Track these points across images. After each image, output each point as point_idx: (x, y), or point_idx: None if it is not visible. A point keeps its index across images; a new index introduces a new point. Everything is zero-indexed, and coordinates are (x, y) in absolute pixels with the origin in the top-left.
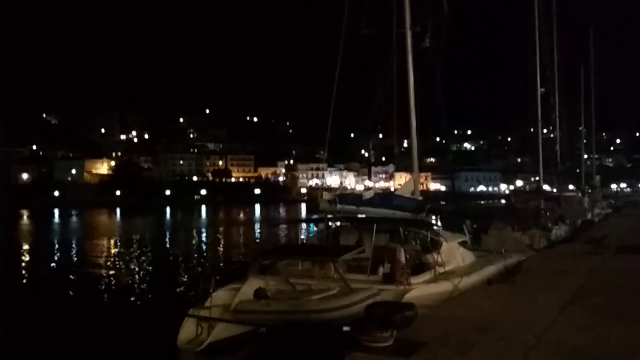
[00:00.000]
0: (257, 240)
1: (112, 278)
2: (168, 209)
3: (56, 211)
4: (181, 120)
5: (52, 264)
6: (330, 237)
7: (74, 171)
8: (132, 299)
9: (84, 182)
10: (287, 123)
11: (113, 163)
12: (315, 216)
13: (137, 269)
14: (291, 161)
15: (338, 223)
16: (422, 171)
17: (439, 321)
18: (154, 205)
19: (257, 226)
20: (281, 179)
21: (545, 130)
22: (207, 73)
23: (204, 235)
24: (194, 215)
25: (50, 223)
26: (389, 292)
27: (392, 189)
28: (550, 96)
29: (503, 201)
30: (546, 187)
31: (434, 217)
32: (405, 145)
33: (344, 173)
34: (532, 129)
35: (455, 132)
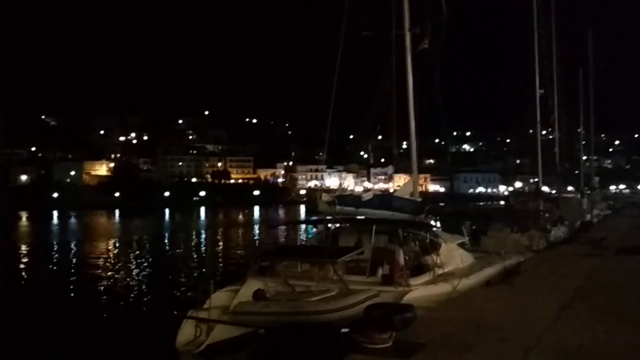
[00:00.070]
0: (256, 242)
1: (111, 280)
2: (167, 211)
3: (55, 213)
4: (180, 121)
5: (51, 266)
6: (329, 239)
7: (72, 173)
8: (131, 300)
9: (82, 183)
10: (287, 124)
11: (112, 164)
12: (314, 217)
13: (136, 270)
14: (290, 162)
15: (337, 224)
16: (421, 172)
17: (438, 322)
18: (153, 206)
19: (256, 227)
20: (280, 180)
21: (544, 132)
22: (207, 74)
23: (203, 236)
24: (193, 217)
25: (49, 225)
26: (388, 294)
27: (391, 191)
28: (549, 98)
29: (502, 202)
30: (545, 189)
31: (433, 218)
32: (404, 146)
33: (343, 174)
34: (531, 131)
35: (455, 133)
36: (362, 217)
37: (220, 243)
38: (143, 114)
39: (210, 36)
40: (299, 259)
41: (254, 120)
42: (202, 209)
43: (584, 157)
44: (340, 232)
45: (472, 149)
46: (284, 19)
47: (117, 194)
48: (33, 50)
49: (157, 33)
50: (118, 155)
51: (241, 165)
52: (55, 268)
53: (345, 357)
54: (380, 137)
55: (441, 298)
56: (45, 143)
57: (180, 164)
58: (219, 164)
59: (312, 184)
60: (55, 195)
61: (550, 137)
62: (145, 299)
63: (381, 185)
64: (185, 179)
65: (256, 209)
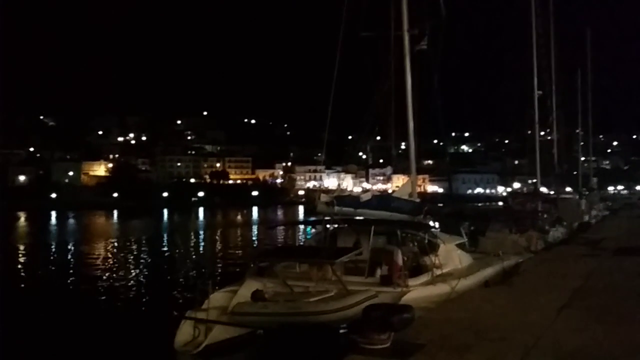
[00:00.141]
0: (255, 243)
1: (109, 280)
2: (165, 211)
3: (53, 213)
4: (179, 122)
5: (49, 267)
6: (328, 239)
7: (71, 173)
8: (129, 301)
9: (81, 184)
10: (285, 125)
11: (110, 165)
12: (312, 218)
13: (134, 271)
14: (289, 163)
15: (336, 225)
16: (420, 173)
17: (436, 323)
18: (151, 207)
19: (254, 228)
20: (279, 181)
21: (542, 133)
22: (205, 75)
23: (201, 237)
24: (192, 217)
25: (47, 225)
26: (387, 294)
27: (390, 191)
28: (548, 98)
29: (500, 203)
30: (543, 190)
31: (431, 219)
32: (403, 147)
33: (342, 175)
34: (529, 132)
35: (453, 134)
36: (361, 217)
37: (219, 244)
38: (142, 114)
39: (209, 37)
40: (297, 259)
41: (253, 121)
42: (201, 210)
43: (582, 158)
44: (339, 233)
45: (470, 150)
46: (283, 19)
47: (115, 195)
48: (32, 50)
49: (156, 33)
50: (116, 155)
51: (240, 166)
52: (53, 269)
53: (344, 357)
54: (379, 138)
55: (440, 299)
56: (44, 143)
57: (179, 164)
58: (218, 165)
59: (310, 184)
60: (54, 195)
61: (549, 138)
62: (144, 299)
63: (380, 186)
64: (184, 180)
65: (255, 209)
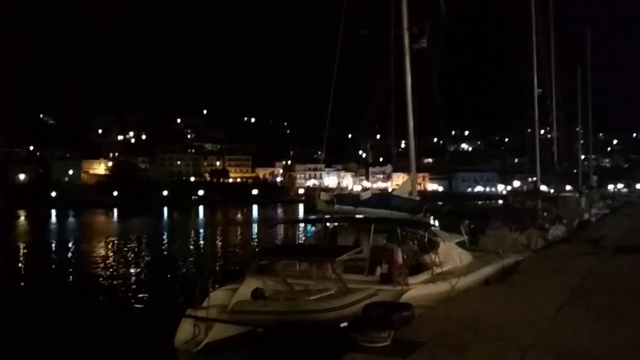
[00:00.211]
0: (255, 241)
1: (109, 279)
2: (165, 210)
3: (53, 212)
4: (179, 120)
5: (49, 265)
6: (328, 238)
7: (71, 172)
8: (129, 299)
9: (81, 182)
10: (285, 123)
11: (110, 163)
12: (312, 216)
13: (134, 269)
14: (289, 162)
15: (336, 223)
16: (420, 172)
17: (436, 321)
18: (151, 205)
19: (254, 227)
20: (279, 179)
21: (542, 131)
22: (205, 74)
23: (201, 235)
24: (192, 216)
25: (47, 224)
26: (387, 293)
27: (390, 190)
28: (548, 97)
29: (500, 201)
30: (543, 188)
31: (431, 217)
32: (402, 145)
33: (342, 173)
34: (529, 130)
35: (453, 132)
36: (361, 216)
37: (219, 242)
38: (141, 113)
39: (208, 35)
40: (297, 258)
41: (253, 120)
42: (201, 208)
43: (582, 156)
44: (339, 231)
45: (470, 148)
46: (283, 18)
47: (115, 193)
48: (32, 49)
49: (156, 32)
50: (116, 154)
51: (240, 164)
52: (53, 267)
53: (344, 356)
54: (378, 136)
55: (440, 297)
56: (44, 142)
57: (179, 163)
58: (218, 163)
59: (310, 183)
60: (54, 194)
61: (549, 136)
62: (144, 297)
63: (380, 184)
64: (184, 178)
65: (255, 208)
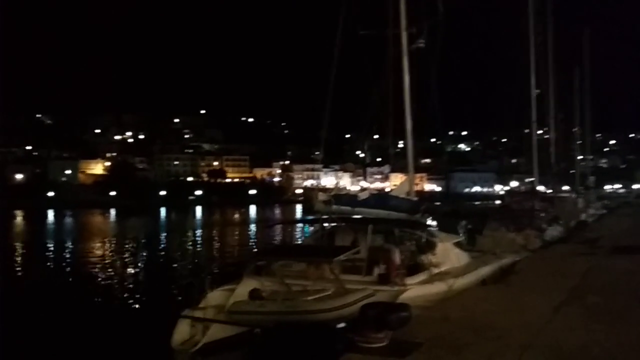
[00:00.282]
0: (252, 241)
1: (106, 279)
2: (163, 210)
3: (50, 212)
4: (176, 120)
5: (46, 266)
6: (326, 238)
7: (68, 171)
8: (126, 299)
9: (78, 182)
10: (283, 124)
11: (108, 163)
12: (310, 217)
13: (131, 269)
14: (286, 162)
15: (333, 224)
16: (418, 172)
17: (433, 322)
18: (149, 205)
19: (252, 227)
20: (276, 179)
21: (540, 132)
22: (203, 73)
23: (198, 236)
24: (189, 216)
25: (45, 224)
26: (384, 293)
27: (388, 190)
28: (545, 97)
29: (498, 202)
30: (541, 188)
31: (429, 217)
32: (400, 145)
33: (340, 174)
34: (527, 130)
35: (451, 133)
36: (359, 216)
37: (216, 242)
38: (139, 113)
39: (206, 35)
40: (295, 258)
41: (250, 120)
42: (198, 208)
43: (580, 157)
44: (337, 232)
45: (468, 149)
46: (281, 18)
47: (113, 193)
48: (29, 48)
49: (153, 32)
50: (114, 154)
51: (237, 165)
52: (50, 267)
53: (342, 356)
54: (376, 137)
55: (437, 297)
56: (41, 142)
57: (177, 163)
58: (215, 163)
59: (308, 183)
60: (51, 194)
61: (546, 136)
62: (141, 298)
63: (377, 185)
64: (181, 178)
65: (252, 208)
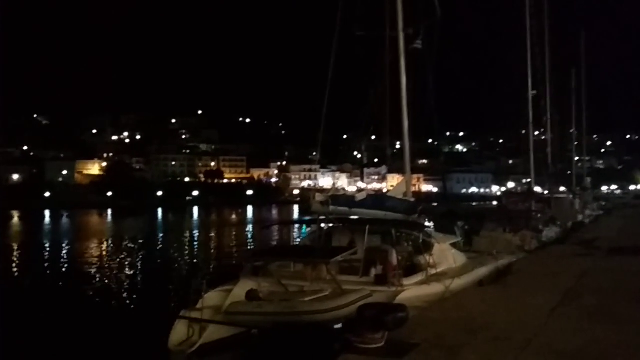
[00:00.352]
0: (250, 242)
1: (103, 280)
2: (160, 210)
3: (47, 212)
4: (173, 121)
5: (43, 266)
6: (323, 239)
7: (65, 172)
8: (123, 300)
9: (75, 183)
10: (280, 124)
11: (104, 164)
12: (307, 218)
13: (128, 270)
14: (284, 162)
15: (330, 224)
16: (415, 173)
17: (430, 322)
18: (145, 206)
19: (249, 227)
20: (274, 180)
21: (536, 133)
22: (200, 74)
23: (195, 236)
24: (186, 217)
25: (41, 224)
26: (381, 294)
27: (385, 191)
28: (542, 98)
29: (495, 203)
30: (537, 189)
31: (426, 218)
32: (397, 146)
33: (337, 174)
34: (523, 131)
35: (448, 134)
36: (356, 217)
37: (213, 243)
38: (136, 113)
39: (203, 36)
40: (292, 259)
41: (248, 120)
42: (195, 209)
43: (576, 158)
44: (334, 232)
45: (465, 150)
46: (278, 18)
47: (109, 194)
48: (25, 49)
49: (151, 32)
50: (111, 154)
51: (234, 165)
52: (47, 268)
53: (338, 357)
54: (373, 137)
55: (434, 298)
56: (38, 142)
57: (174, 163)
58: (212, 164)
59: (305, 184)
60: (48, 194)
61: (543, 137)
62: (138, 299)
63: (374, 185)
64: (178, 179)
65: (249, 208)
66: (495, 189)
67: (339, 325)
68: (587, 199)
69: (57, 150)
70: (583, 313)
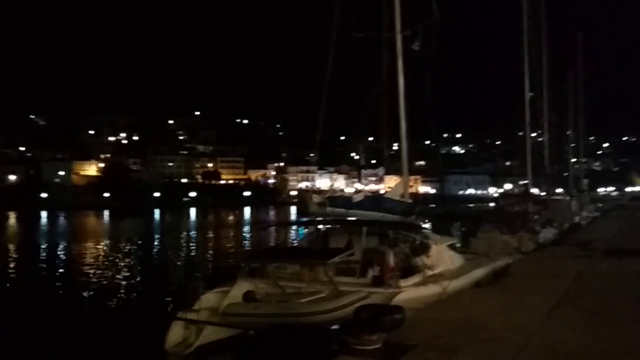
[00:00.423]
0: (247, 243)
1: (99, 281)
2: (157, 211)
3: (44, 213)
4: (171, 122)
5: (39, 267)
6: (320, 240)
7: (61, 173)
8: (120, 302)
9: (71, 183)
10: (277, 125)
11: (101, 165)
12: (304, 219)
13: (125, 272)
14: (281, 163)
15: (328, 226)
16: (412, 174)
17: (427, 324)
18: (142, 207)
19: (246, 229)
20: (271, 181)
21: (533, 134)
22: (197, 75)
23: (192, 238)
24: (183, 218)
25: (38, 225)
26: (378, 295)
27: (382, 192)
28: (539, 100)
29: (492, 204)
30: (534, 191)
31: (423, 220)
32: (395, 148)
33: (334, 175)
34: (520, 133)
35: (445, 135)
36: (353, 218)
37: (210, 244)
38: (133, 114)
39: (201, 36)
40: (289, 260)
41: (245, 121)
42: (192, 210)
43: (573, 160)
44: (331, 234)
45: (462, 151)
46: (276, 19)
47: (106, 195)
48: (22, 49)
49: (148, 33)
50: (108, 155)
51: (232, 166)
52: (43, 270)
53: (335, 358)
54: (371, 139)
55: (431, 299)
56: (34, 143)
57: (171, 164)
58: (210, 165)
59: (303, 185)
60: (44, 195)
61: (540, 139)
62: (135, 300)
63: (372, 187)
64: (175, 180)
65: (247, 210)
66: (492, 190)
67: (336, 327)
68: (584, 201)
69: (54, 151)
70: (580, 314)
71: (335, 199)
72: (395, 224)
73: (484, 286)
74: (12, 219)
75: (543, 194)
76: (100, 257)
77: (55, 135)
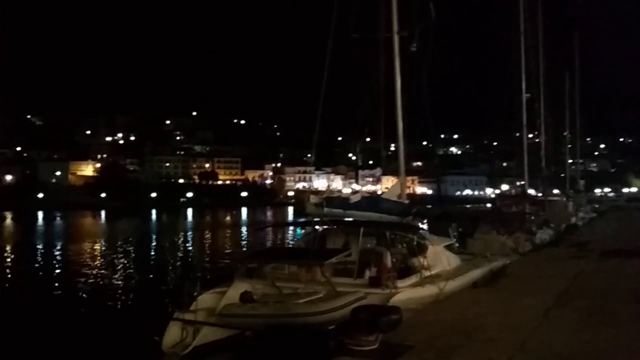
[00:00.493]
0: (244, 244)
1: (96, 282)
2: (154, 212)
3: (40, 213)
4: (168, 122)
5: (36, 268)
6: (317, 241)
7: (58, 173)
8: (116, 302)
9: (68, 184)
10: (275, 126)
11: (98, 165)
12: (302, 219)
13: (121, 272)
14: (278, 164)
15: (325, 226)
16: (409, 175)
17: (424, 324)
18: (139, 207)
19: (243, 229)
20: (268, 181)
21: (530, 135)
22: (195, 75)
23: (189, 238)
24: (180, 218)
25: (34, 225)
26: (375, 296)
27: (379, 193)
28: (536, 101)
29: (489, 205)
30: (531, 192)
31: (420, 220)
32: (392, 148)
33: (331, 176)
34: (517, 134)
35: (442, 136)
36: (350, 219)
37: (207, 245)
38: (130, 114)
39: (198, 37)
40: (286, 261)
41: (242, 122)
42: (190, 210)
43: (570, 160)
44: (328, 234)
45: (459, 152)
46: (273, 20)
47: (103, 195)
48: (18, 49)
49: (145, 33)
50: (105, 155)
51: (229, 167)
52: (39, 270)
53: (332, 359)
54: (368, 139)
55: (428, 300)
56: (31, 143)
57: (168, 164)
58: (207, 165)
59: (300, 185)
60: (41, 195)
61: (537, 140)
62: (131, 300)
63: (369, 187)
64: (173, 180)
65: (244, 210)
66: (489, 191)
67: (333, 327)
68: (581, 202)
69: (51, 151)
70: (577, 315)
71: (332, 199)
72: (392, 224)
73: (481, 287)
74: (9, 219)
75: (540, 195)
76: (97, 257)
77: (52, 135)
